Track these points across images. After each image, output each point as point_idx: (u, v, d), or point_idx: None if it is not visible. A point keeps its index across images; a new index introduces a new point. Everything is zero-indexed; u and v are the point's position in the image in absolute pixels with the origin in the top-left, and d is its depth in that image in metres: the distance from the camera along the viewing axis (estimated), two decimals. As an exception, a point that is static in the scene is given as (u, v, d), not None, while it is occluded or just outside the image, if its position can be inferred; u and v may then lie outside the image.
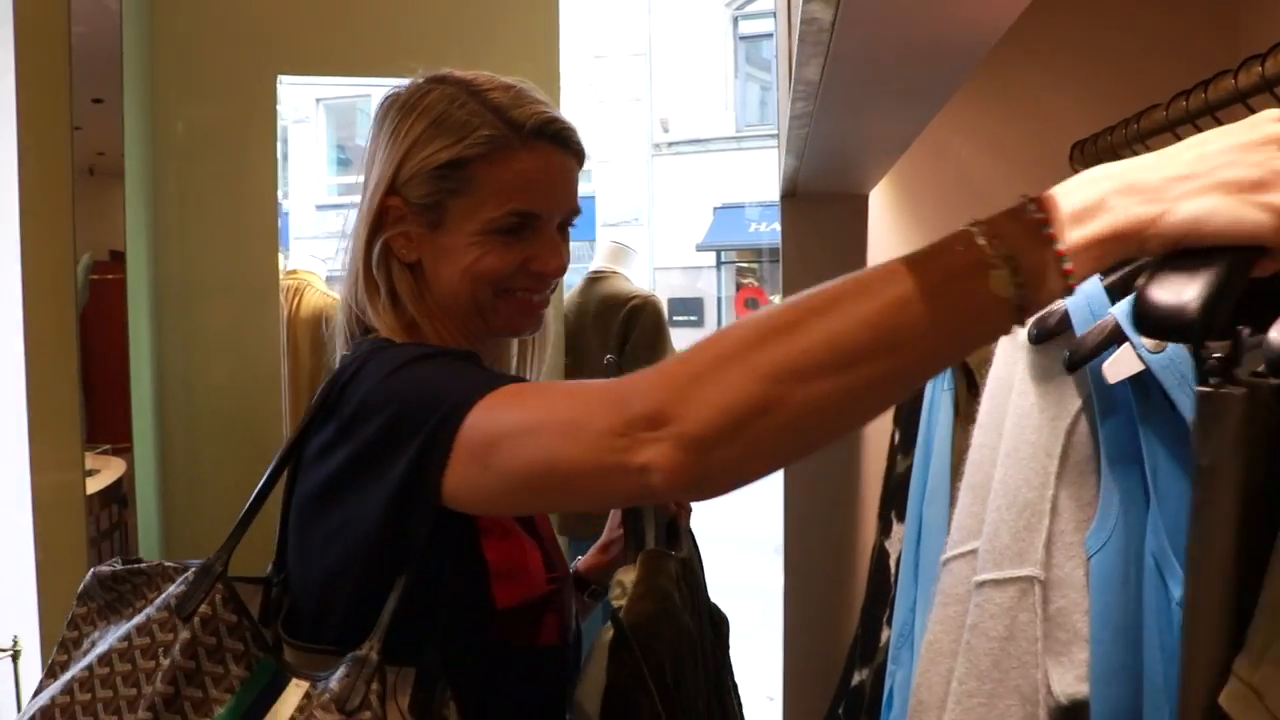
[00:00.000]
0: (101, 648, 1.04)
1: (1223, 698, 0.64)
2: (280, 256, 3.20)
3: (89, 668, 1.03)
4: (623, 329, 3.02)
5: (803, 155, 1.45)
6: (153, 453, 2.95)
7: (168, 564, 1.11)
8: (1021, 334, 1.05)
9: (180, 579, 1.05)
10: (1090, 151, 1.79)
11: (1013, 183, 2.06)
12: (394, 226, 1.18)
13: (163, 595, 1.05)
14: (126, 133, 2.80)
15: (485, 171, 1.13)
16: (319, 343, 3.74)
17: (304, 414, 1.10)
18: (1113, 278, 1.08)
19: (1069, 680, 1.02)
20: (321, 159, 21.13)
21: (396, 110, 1.18)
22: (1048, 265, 0.70)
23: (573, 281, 3.33)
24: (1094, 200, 0.70)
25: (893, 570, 1.73)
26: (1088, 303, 1.05)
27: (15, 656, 2.57)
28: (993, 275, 0.70)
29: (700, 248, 19.10)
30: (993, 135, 1.93)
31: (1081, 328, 1.04)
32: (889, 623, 1.72)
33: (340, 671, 0.96)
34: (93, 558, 2.71)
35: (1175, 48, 1.87)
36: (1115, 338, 1.00)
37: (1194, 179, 0.68)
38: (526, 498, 0.97)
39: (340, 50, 3.11)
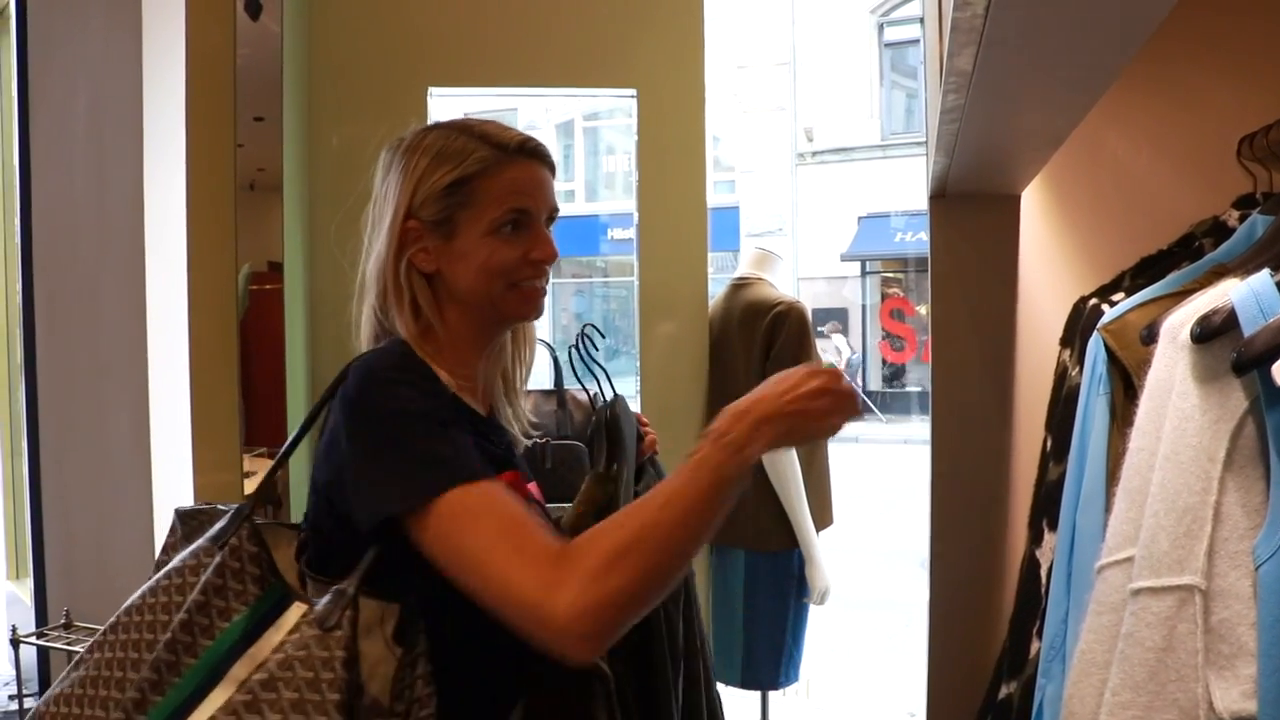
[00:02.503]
0: (172, 565, 1.36)
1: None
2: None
3: (158, 579, 1.36)
4: (767, 335, 2.99)
5: (953, 153, 1.42)
6: (307, 458, 3.02)
7: (221, 506, 1.44)
8: (1183, 333, 1.01)
9: (224, 517, 1.37)
10: (1260, 145, 1.72)
11: (1172, 180, 1.99)
12: (414, 244, 1.44)
13: (211, 530, 1.37)
14: (285, 149, 2.89)
15: (484, 184, 1.42)
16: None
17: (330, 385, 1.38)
18: (1284, 274, 1.03)
19: (1234, 696, 0.97)
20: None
21: (401, 154, 1.47)
22: (745, 468, 1.21)
23: (716, 290, 3.32)
24: (753, 428, 1.21)
25: (1044, 580, 1.67)
26: (1257, 300, 1.00)
27: None
28: (731, 483, 1.20)
29: (845, 257, 18.91)
30: (1151, 130, 1.85)
31: (1250, 327, 0.99)
32: (1039, 634, 1.67)
33: (326, 599, 1.23)
34: None
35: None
36: (1290, 339, 0.94)
37: (789, 418, 1.22)
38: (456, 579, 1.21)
39: (488, 62, 3.16)
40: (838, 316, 18.39)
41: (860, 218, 18.78)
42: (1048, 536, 1.67)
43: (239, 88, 2.86)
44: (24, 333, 3.81)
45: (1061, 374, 1.76)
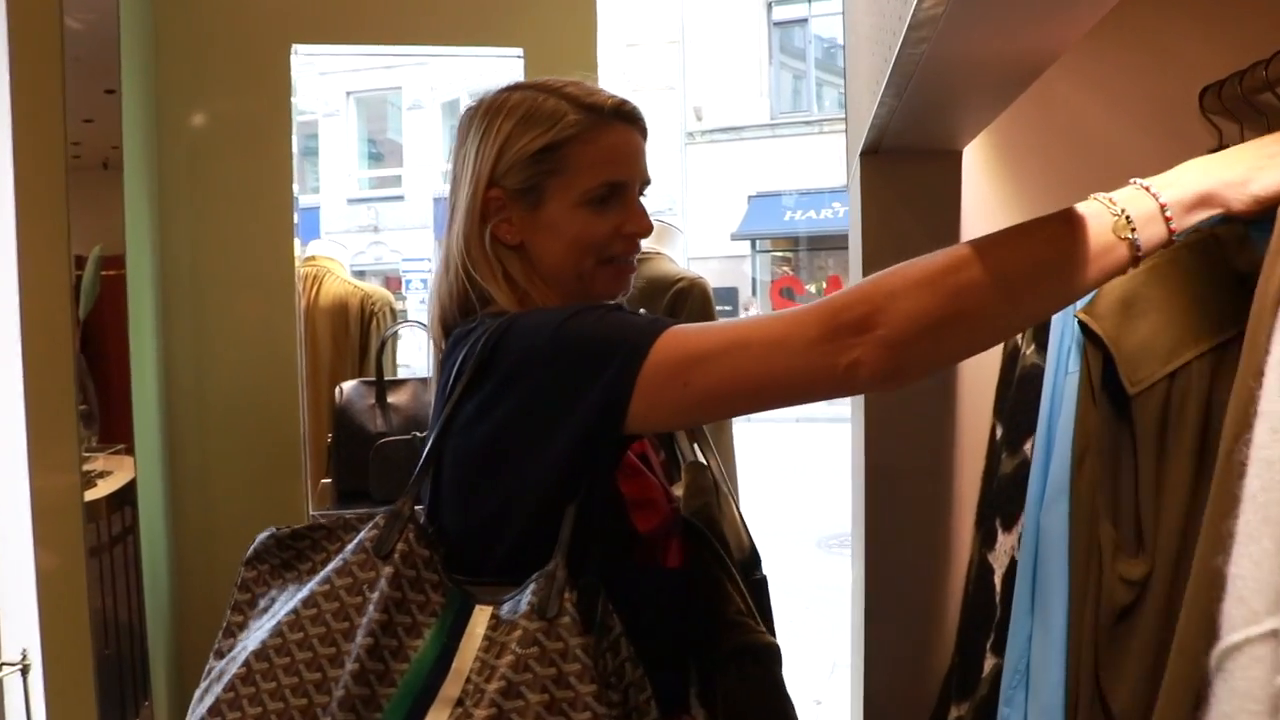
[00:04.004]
0: (302, 594, 1.18)
1: None
2: (296, 243, 2.98)
3: (293, 611, 1.17)
4: (668, 313, 2.78)
5: (907, 87, 1.19)
6: (159, 453, 2.77)
7: (347, 514, 1.27)
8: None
9: (368, 526, 1.20)
10: (1228, 94, 1.54)
11: (1131, 134, 1.80)
12: (497, 215, 1.32)
13: (352, 543, 1.20)
14: (126, 122, 2.65)
15: (577, 150, 1.30)
16: (341, 330, 3.55)
17: (440, 383, 1.29)
18: None
19: None
20: (353, 153, 21.08)
21: (482, 115, 1.35)
22: (1154, 214, 1.03)
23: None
24: (1200, 194, 1.04)
25: (997, 588, 1.47)
26: None
27: (25, 670, 2.42)
28: (1114, 222, 1.02)
29: (735, 236, 18.93)
30: (1108, 80, 1.66)
31: None
32: (994, 650, 1.47)
33: (532, 588, 1.11)
34: (94, 566, 2.60)
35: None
36: None
37: (1262, 156, 1.03)
38: (726, 406, 1.13)
39: (362, 16, 2.90)
40: (728, 296, 18.35)
41: (750, 197, 18.80)
42: (1001, 538, 1.47)
43: (82, 59, 2.58)
44: None
45: (1012, 353, 1.56)
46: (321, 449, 3.05)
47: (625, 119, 1.34)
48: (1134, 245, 1.02)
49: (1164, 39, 1.66)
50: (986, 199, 1.73)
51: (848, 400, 2.21)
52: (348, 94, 20.45)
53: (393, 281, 19.46)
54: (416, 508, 1.24)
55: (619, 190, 1.32)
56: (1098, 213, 1.03)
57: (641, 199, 1.38)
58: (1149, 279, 1.25)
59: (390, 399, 2.82)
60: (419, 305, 15.83)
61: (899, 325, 1.00)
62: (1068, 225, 1.02)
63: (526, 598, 1.11)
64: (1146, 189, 1.04)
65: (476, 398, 1.20)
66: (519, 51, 2.91)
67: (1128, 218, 1.02)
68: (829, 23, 18.63)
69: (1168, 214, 1.03)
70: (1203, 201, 1.04)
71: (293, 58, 2.89)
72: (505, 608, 1.12)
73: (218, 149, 2.86)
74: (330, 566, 1.20)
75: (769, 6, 19.23)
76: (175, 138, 2.82)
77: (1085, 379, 1.28)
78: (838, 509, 8.06)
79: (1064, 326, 1.33)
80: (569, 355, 1.15)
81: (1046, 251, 1.03)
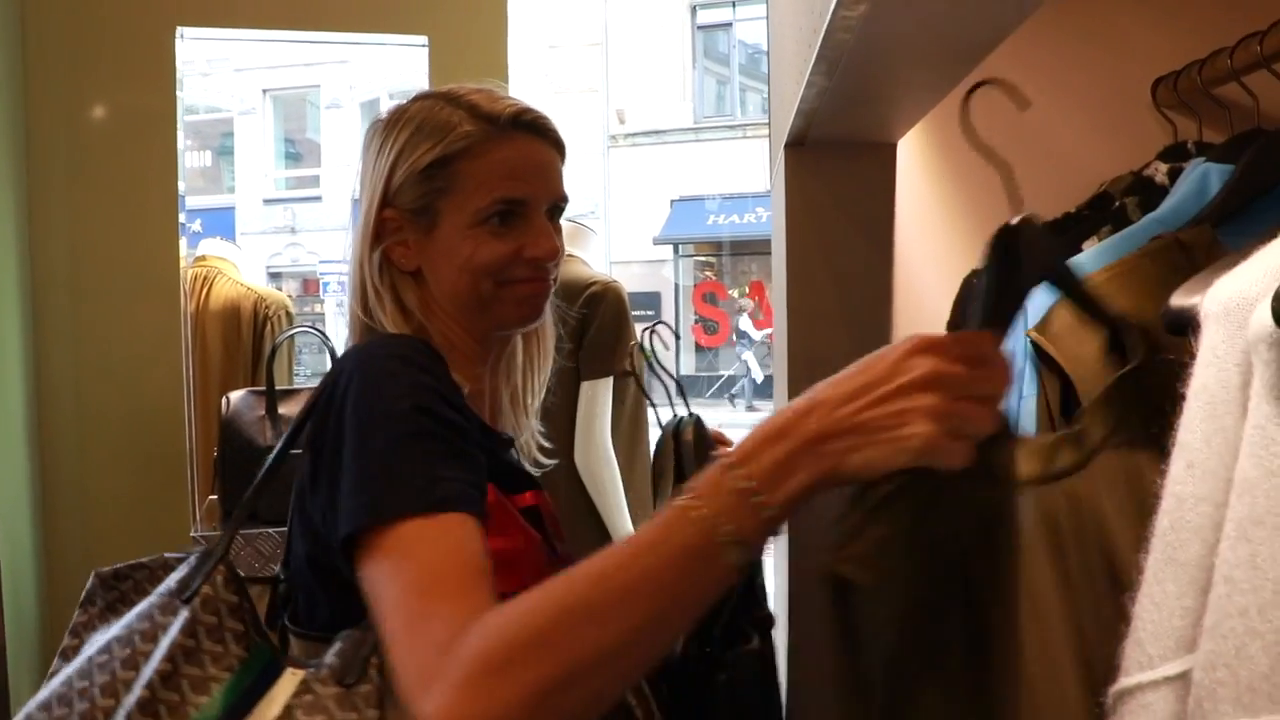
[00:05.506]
0: (101, 640, 1.07)
1: None
2: (183, 243, 2.79)
3: (88, 658, 1.05)
4: (581, 318, 2.62)
5: (836, 70, 1.05)
6: (25, 466, 2.56)
7: (170, 556, 1.17)
8: (1257, 314, 0.63)
9: (182, 565, 1.09)
10: (1185, 86, 1.44)
11: (1081, 130, 1.68)
12: (391, 236, 1.24)
13: (164, 583, 1.08)
14: None
15: (468, 166, 1.20)
16: (233, 335, 3.36)
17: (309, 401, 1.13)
18: None
19: None
20: (269, 152, 20.70)
21: (382, 128, 1.26)
22: (760, 525, 0.83)
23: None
24: (783, 461, 0.83)
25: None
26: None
27: None
28: (724, 551, 0.82)
29: (658, 241, 18.87)
30: (1056, 72, 1.53)
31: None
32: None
33: (336, 648, 0.98)
34: None
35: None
36: None
37: (851, 435, 0.82)
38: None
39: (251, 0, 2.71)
40: (651, 300, 18.29)
41: (673, 201, 18.77)
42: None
43: None
44: None
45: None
46: (209, 463, 2.86)
47: (527, 129, 1.24)
48: (742, 549, 0.83)
49: (1118, 26, 1.54)
50: (923, 197, 1.60)
51: (767, 406, 2.07)
52: (264, 92, 20.05)
53: (310, 284, 19.12)
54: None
55: (518, 209, 1.22)
56: (707, 546, 0.82)
57: (555, 217, 1.28)
58: (1106, 291, 1.13)
59: (282, 409, 2.62)
60: (336, 309, 15.57)
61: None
62: (657, 554, 0.83)
63: (328, 659, 0.97)
64: (754, 495, 0.83)
65: (312, 428, 1.09)
66: (424, 40, 2.76)
67: (738, 540, 0.82)
68: (753, 28, 18.66)
69: (757, 499, 0.82)
70: (816, 479, 0.83)
71: (179, 43, 2.69)
72: (311, 670, 0.98)
73: (96, 141, 2.67)
74: (135, 609, 1.07)
75: (693, 10, 19.21)
76: (48, 129, 2.62)
77: (1042, 402, 1.16)
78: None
79: (1016, 345, 1.20)
80: (351, 444, 1.01)
81: (634, 610, 0.83)
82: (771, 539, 0.86)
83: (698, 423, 1.56)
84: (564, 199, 1.29)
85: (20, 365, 2.56)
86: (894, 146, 1.56)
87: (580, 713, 0.83)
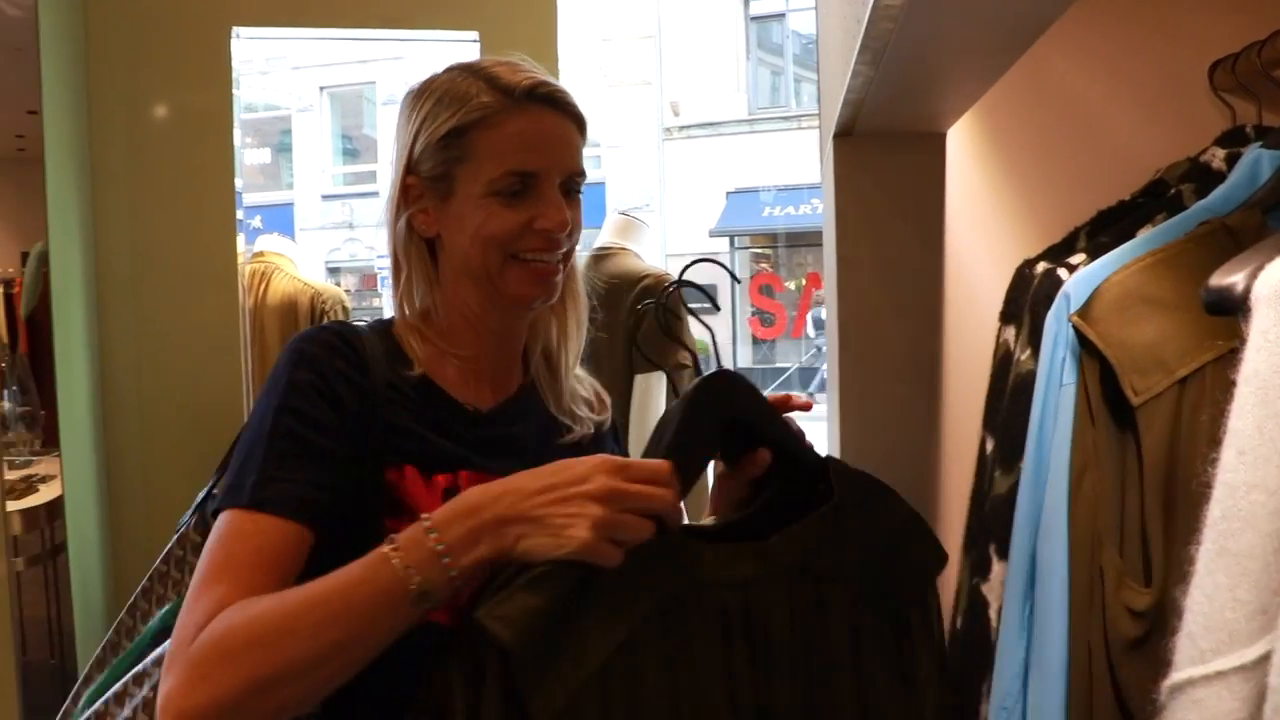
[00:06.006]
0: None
1: None
2: (241, 239, 2.82)
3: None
4: (633, 312, 2.62)
5: (885, 50, 1.04)
6: (92, 457, 2.62)
7: None
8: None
9: None
10: (1244, 69, 1.40)
11: (1134, 115, 1.65)
12: (414, 204, 1.27)
13: None
14: (50, 113, 2.53)
15: (483, 136, 1.22)
16: (290, 330, 3.40)
17: None
18: None
19: None
20: (327, 149, 20.88)
21: (411, 98, 1.29)
22: (444, 583, 0.98)
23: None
24: (471, 532, 0.98)
25: (993, 623, 1.31)
26: None
27: None
28: (410, 599, 0.97)
29: (713, 233, 18.79)
30: (1108, 57, 1.50)
31: None
32: (989, 694, 1.31)
33: None
34: (37, 573, 2.63)
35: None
36: None
37: (528, 524, 0.98)
38: None
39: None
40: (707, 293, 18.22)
41: (728, 193, 18.68)
42: (996, 566, 1.30)
43: (22, 45, 2.48)
44: None
45: (1004, 358, 1.40)
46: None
47: (543, 102, 1.24)
48: (425, 598, 0.98)
49: (1170, 8, 1.51)
50: (974, 186, 1.58)
51: (824, 398, 2.07)
52: (321, 89, 20.24)
53: (368, 279, 19.30)
54: None
55: (531, 181, 1.23)
56: (398, 591, 0.97)
57: (572, 192, 1.28)
58: (1151, 276, 1.12)
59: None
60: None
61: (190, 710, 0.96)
62: (357, 591, 0.98)
63: None
64: (444, 557, 0.98)
65: None
66: (474, 35, 2.77)
67: (424, 590, 0.97)
68: (807, 18, 18.52)
69: (446, 560, 0.98)
70: (492, 554, 0.99)
71: (235, 42, 2.72)
72: None
73: (156, 140, 2.72)
74: None
75: (746, 1, 19.10)
76: (109, 129, 2.67)
77: (1081, 391, 1.14)
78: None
79: (1057, 333, 1.18)
80: (249, 429, 1.14)
81: (333, 632, 0.97)
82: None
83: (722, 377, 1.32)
84: (579, 173, 1.28)
85: (86, 361, 2.62)
86: (943, 136, 1.54)
87: (278, 711, 0.97)
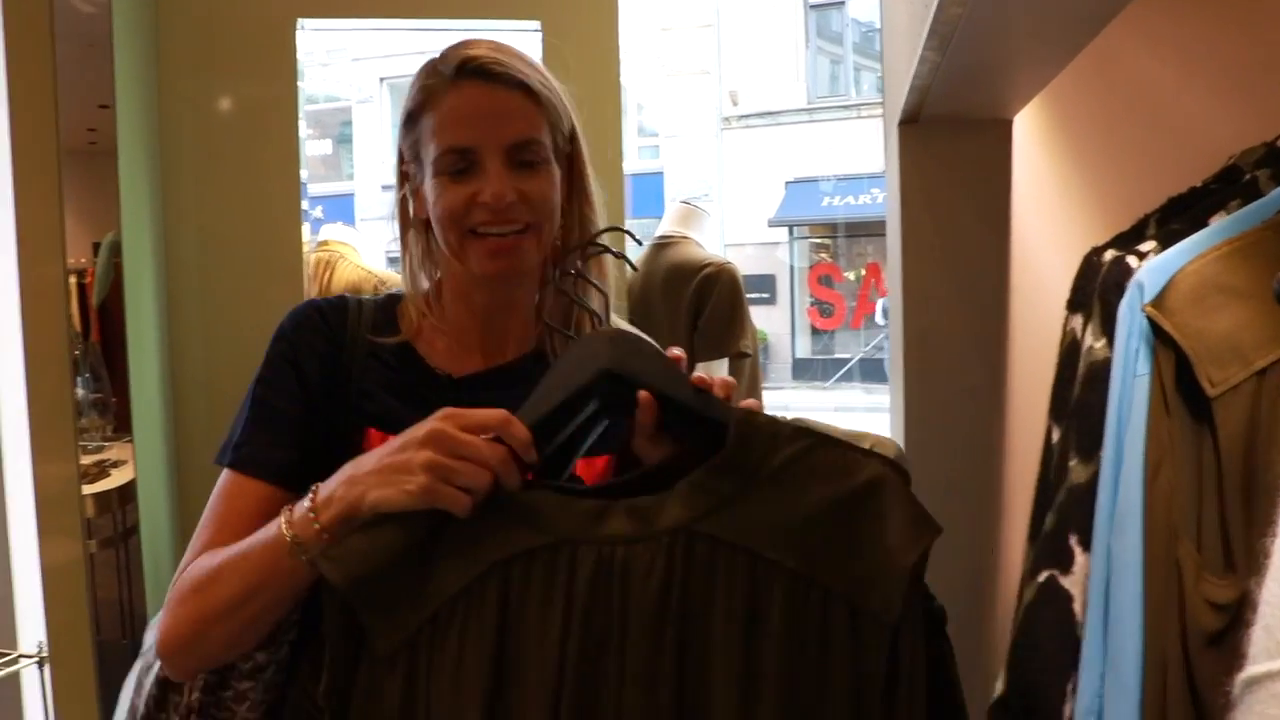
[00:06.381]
0: None
1: None
2: (306, 228, 2.86)
3: None
4: (695, 300, 2.63)
5: (953, 36, 1.03)
6: (163, 443, 2.67)
7: None
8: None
9: None
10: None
11: (1207, 102, 1.62)
12: (404, 187, 1.34)
13: None
14: (124, 106, 2.55)
15: (427, 117, 1.25)
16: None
17: None
18: None
19: None
20: (387, 139, 21.01)
21: None
22: (312, 536, 1.07)
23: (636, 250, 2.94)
24: (332, 492, 1.07)
25: (1078, 618, 1.28)
26: None
27: (42, 663, 2.49)
28: (291, 550, 1.08)
29: (772, 223, 18.72)
30: (1180, 40, 1.47)
31: None
32: (1074, 693, 1.28)
33: None
34: (108, 556, 2.66)
35: None
36: None
37: (374, 477, 1.04)
38: None
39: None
40: (766, 284, 18.17)
41: (787, 182, 18.60)
42: (1080, 558, 1.27)
43: (93, 40, 2.53)
44: None
45: (1071, 346, 1.38)
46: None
47: (474, 75, 1.24)
48: (301, 550, 1.07)
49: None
50: (1041, 173, 1.56)
51: (886, 389, 2.05)
52: (381, 80, 20.37)
53: (428, 268, 19.40)
54: None
55: (472, 156, 1.24)
56: (282, 548, 1.08)
57: (526, 163, 1.26)
58: (1228, 265, 1.10)
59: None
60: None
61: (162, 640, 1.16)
62: (262, 545, 1.11)
63: None
64: (313, 494, 1.09)
65: None
66: (536, 25, 2.77)
67: (300, 546, 1.07)
68: (866, 5, 18.38)
69: (312, 515, 1.07)
70: (346, 508, 1.06)
71: (300, 33, 2.74)
72: None
73: (222, 130, 2.75)
74: None
75: (806, -12, 19.01)
76: (178, 122, 2.71)
77: (1156, 382, 1.12)
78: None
79: (1130, 323, 1.16)
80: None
81: (244, 580, 1.10)
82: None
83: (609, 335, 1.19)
84: (522, 139, 1.26)
85: (157, 349, 2.66)
86: (1010, 122, 1.52)
87: (224, 644, 1.13)
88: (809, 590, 0.98)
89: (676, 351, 1.16)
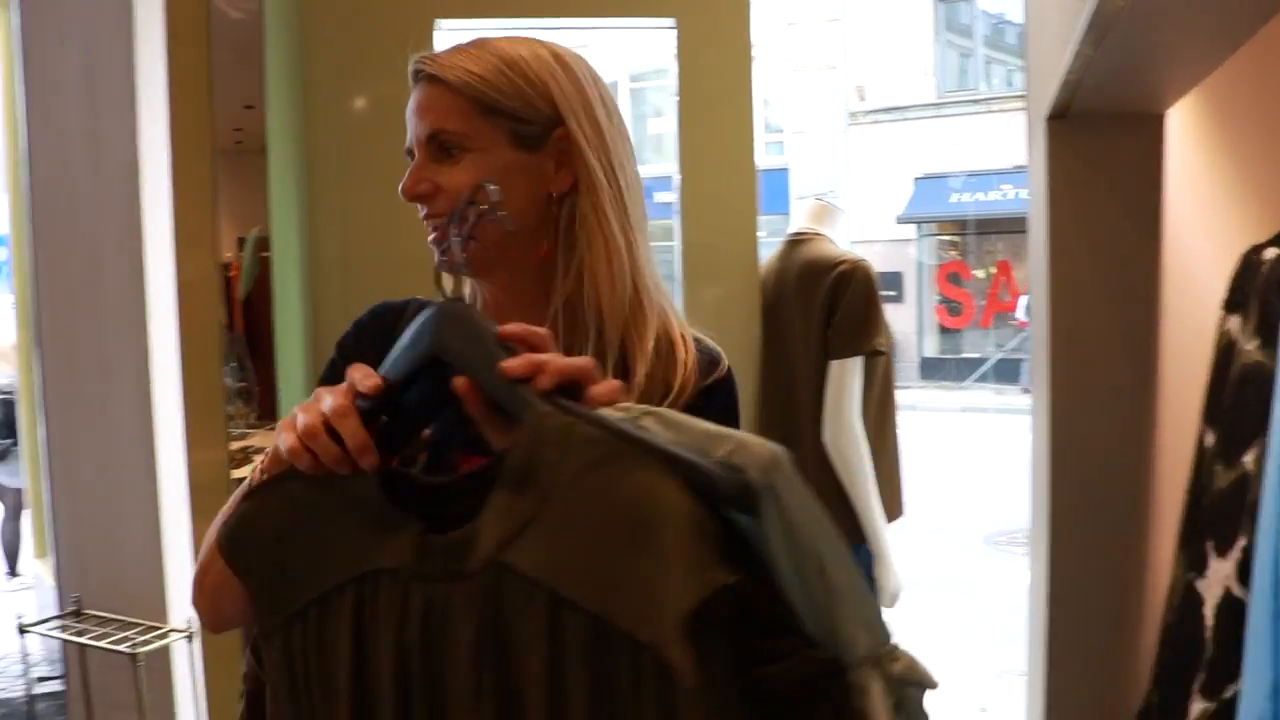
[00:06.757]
0: None
1: None
2: (444, 222, 2.91)
3: None
4: (829, 298, 2.61)
5: (1110, 30, 1.01)
6: None
7: None
8: None
9: None
10: None
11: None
12: None
13: None
14: (273, 106, 2.65)
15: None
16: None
17: None
18: None
19: None
20: (516, 137, 21.29)
21: None
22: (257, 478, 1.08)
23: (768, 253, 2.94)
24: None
25: (1208, 620, 1.26)
26: None
27: (190, 638, 2.66)
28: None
29: (901, 219, 18.50)
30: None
31: None
32: (1204, 693, 1.26)
33: None
34: None
35: None
36: None
37: (281, 431, 1.02)
38: None
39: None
40: (893, 281, 17.96)
41: (916, 178, 18.35)
42: (1214, 564, 1.25)
43: (241, 44, 2.69)
44: (33, 306, 3.59)
45: (1227, 348, 1.35)
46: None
47: (416, 78, 1.26)
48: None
49: None
50: (1194, 169, 1.51)
51: (1016, 389, 2.01)
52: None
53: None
54: None
55: (412, 156, 1.27)
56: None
57: (446, 150, 1.23)
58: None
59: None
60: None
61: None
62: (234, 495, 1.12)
63: None
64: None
65: None
66: (671, 22, 2.79)
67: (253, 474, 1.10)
68: (998, -3, 18.06)
69: (260, 472, 1.08)
70: (272, 453, 1.06)
71: (437, 34, 2.80)
72: None
73: (365, 130, 2.82)
74: None
75: (935, -19, 18.73)
76: (324, 120, 2.79)
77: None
78: (1007, 504, 7.79)
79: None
80: None
81: (212, 537, 1.11)
82: None
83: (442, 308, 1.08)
84: (440, 131, 1.23)
85: (301, 340, 2.74)
86: (1162, 117, 1.48)
87: (224, 595, 1.10)
88: (611, 639, 0.84)
89: (510, 327, 1.01)
